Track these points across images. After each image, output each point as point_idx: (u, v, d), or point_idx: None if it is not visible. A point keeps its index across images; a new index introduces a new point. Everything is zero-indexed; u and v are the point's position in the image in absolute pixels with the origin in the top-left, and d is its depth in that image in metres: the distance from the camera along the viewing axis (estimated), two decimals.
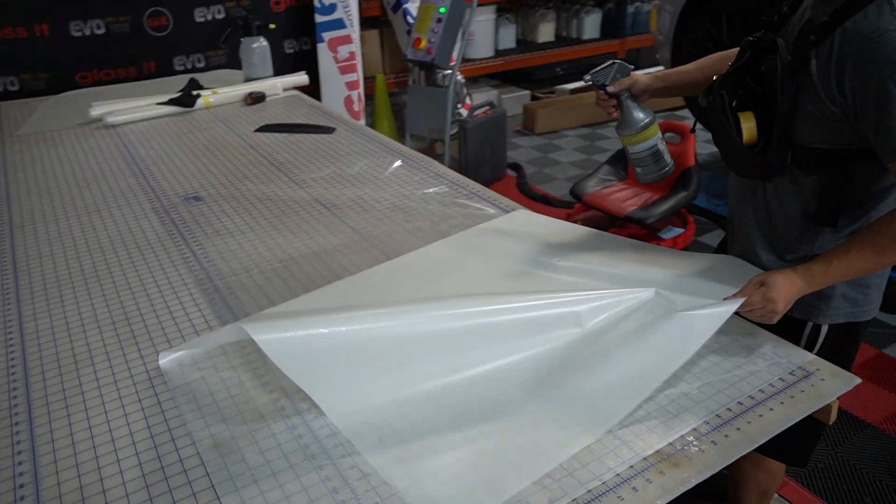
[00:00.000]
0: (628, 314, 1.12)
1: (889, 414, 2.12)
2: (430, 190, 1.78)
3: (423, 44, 3.60)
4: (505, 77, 5.56)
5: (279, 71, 2.94)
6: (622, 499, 0.84)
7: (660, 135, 1.33)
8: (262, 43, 2.81)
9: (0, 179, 1.99)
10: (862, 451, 2.00)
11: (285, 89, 2.79)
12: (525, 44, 5.48)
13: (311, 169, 1.97)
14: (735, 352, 1.10)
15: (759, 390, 1.02)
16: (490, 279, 1.31)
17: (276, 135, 2.28)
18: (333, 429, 0.97)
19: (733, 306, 1.06)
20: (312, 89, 3.71)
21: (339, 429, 0.96)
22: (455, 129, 3.80)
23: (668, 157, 1.35)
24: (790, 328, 1.19)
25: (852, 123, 1.04)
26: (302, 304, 1.25)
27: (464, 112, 3.91)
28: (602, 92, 1.33)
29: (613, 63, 1.34)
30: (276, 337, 0.99)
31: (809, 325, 1.23)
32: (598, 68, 1.34)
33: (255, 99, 2.64)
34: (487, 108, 3.80)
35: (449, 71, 3.69)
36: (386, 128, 4.39)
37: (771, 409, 0.98)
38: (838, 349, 1.24)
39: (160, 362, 1.12)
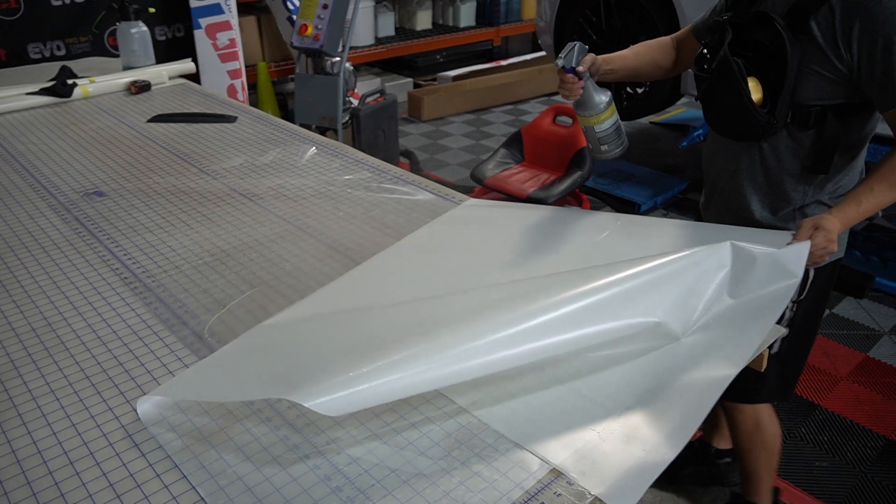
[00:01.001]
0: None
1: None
2: (352, 176, 1.76)
3: (310, 30, 3.51)
4: (385, 65, 5.54)
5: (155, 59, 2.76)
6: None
7: (616, 114, 1.38)
8: (141, 28, 2.62)
9: None
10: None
11: (171, 77, 2.63)
12: (404, 32, 5.49)
13: (221, 159, 1.88)
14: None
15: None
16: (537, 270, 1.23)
17: (173, 125, 2.15)
18: (313, 417, 0.94)
19: (805, 246, 1.15)
20: (192, 79, 3.51)
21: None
22: (346, 118, 3.75)
23: (623, 134, 1.40)
24: None
25: (854, 79, 1.20)
26: (303, 312, 1.13)
27: (353, 100, 3.86)
28: (569, 75, 1.32)
29: (574, 44, 1.34)
30: (329, 399, 0.83)
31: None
32: (564, 52, 1.33)
33: (140, 88, 2.47)
34: (378, 95, 3.78)
35: (338, 58, 3.63)
36: None
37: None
38: (824, 287, 1.43)
39: (139, 409, 0.95)
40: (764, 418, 1.58)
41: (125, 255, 1.38)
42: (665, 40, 1.53)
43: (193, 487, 0.84)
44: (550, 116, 3.07)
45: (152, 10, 2.68)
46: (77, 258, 1.37)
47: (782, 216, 1.37)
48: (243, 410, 0.96)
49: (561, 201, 2.99)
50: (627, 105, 3.45)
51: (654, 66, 1.52)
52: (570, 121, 3.00)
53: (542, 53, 5.39)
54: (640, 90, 3.38)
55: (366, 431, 0.92)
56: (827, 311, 2.64)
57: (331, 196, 1.64)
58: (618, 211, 3.46)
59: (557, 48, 3.70)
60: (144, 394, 0.99)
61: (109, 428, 0.93)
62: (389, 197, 1.63)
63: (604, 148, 1.40)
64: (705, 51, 1.32)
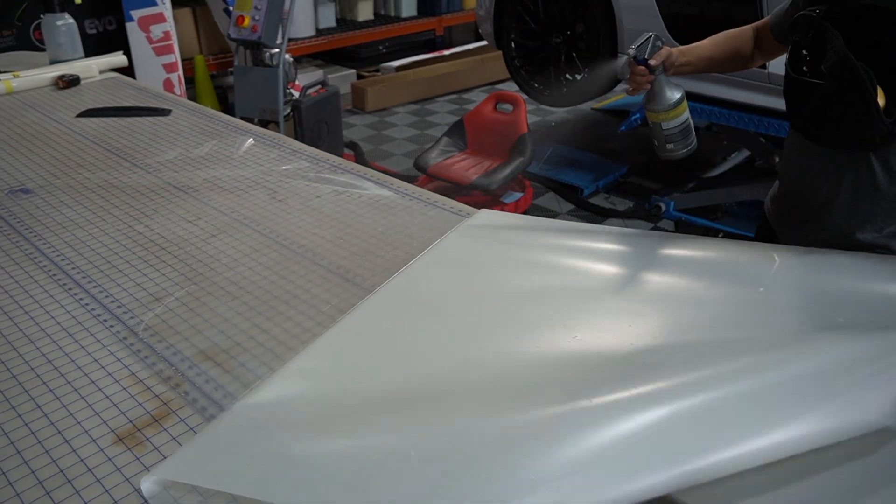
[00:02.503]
0: None
1: None
2: (290, 166, 1.75)
3: (247, 21, 3.45)
4: (327, 56, 5.49)
5: (84, 53, 2.67)
6: None
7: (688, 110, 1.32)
8: (67, 20, 2.54)
9: None
10: None
11: (101, 71, 2.55)
12: (345, 23, 5.45)
13: (155, 153, 1.84)
14: None
15: None
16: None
17: (104, 120, 2.09)
18: None
19: None
20: (126, 74, 3.41)
21: None
22: (288, 110, 3.71)
23: (693, 132, 1.33)
24: None
25: None
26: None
27: (294, 92, 3.82)
28: (640, 66, 1.27)
29: (650, 35, 1.28)
30: None
31: None
32: (638, 42, 1.27)
33: (69, 83, 2.39)
34: (320, 86, 3.75)
35: (277, 50, 3.58)
36: None
37: None
38: None
39: (143, 486, 0.80)
40: None
41: (54, 252, 1.34)
42: (746, 29, 1.42)
43: None
44: (492, 104, 3.10)
45: (78, 0, 2.58)
46: (1, 256, 1.33)
47: (887, 234, 1.24)
48: None
49: (504, 188, 3.03)
50: (567, 90, 3.51)
51: (736, 57, 1.42)
52: (511, 108, 3.04)
53: (485, 42, 5.42)
54: (578, 76, 3.44)
55: None
56: None
57: (268, 187, 1.63)
58: (560, 195, 3.52)
59: (497, 36, 3.73)
60: (146, 468, 0.85)
61: (38, 426, 0.91)
62: (328, 187, 1.63)
63: (669, 147, 1.33)
64: (804, 52, 1.18)
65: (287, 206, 1.53)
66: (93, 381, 0.99)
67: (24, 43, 3.61)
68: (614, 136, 4.22)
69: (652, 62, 1.28)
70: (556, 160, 3.87)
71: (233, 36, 3.51)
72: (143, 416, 0.93)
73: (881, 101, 1.10)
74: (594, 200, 3.50)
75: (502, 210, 2.94)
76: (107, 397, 0.96)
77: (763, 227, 1.49)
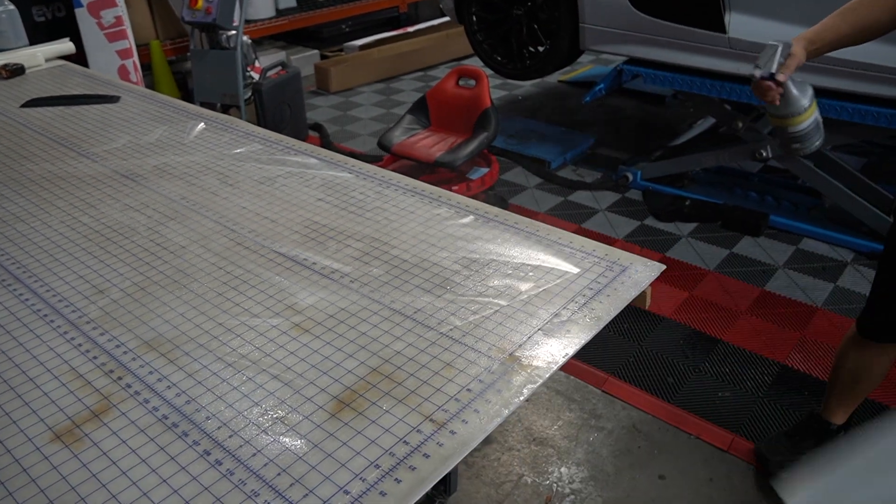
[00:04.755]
0: None
1: (677, 305, 2.46)
2: (243, 149, 1.71)
3: (201, 4, 3.36)
4: (289, 37, 5.38)
5: (31, 42, 2.58)
6: (489, 401, 0.90)
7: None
8: (8, 7, 2.46)
9: None
10: (660, 341, 2.30)
11: (48, 59, 2.47)
12: (306, 2, 5.33)
13: (102, 141, 1.78)
14: (553, 264, 1.21)
15: (589, 288, 1.13)
16: None
17: (50, 109, 2.02)
18: None
19: None
20: (77, 60, 3.31)
21: None
22: (249, 93, 3.63)
23: (821, 125, 1.27)
24: None
25: None
26: None
27: (255, 75, 3.74)
28: (766, 82, 1.22)
29: (777, 46, 1.21)
30: None
31: None
32: (763, 57, 1.20)
33: (13, 72, 2.31)
34: (280, 68, 3.67)
35: (233, 32, 3.50)
36: None
37: (600, 302, 1.10)
38: None
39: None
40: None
41: None
42: None
43: None
44: (454, 79, 3.06)
45: None
46: None
47: None
48: None
49: (470, 164, 3.00)
50: (530, 63, 3.47)
51: (876, 27, 1.30)
52: (473, 83, 3.00)
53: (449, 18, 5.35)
54: (541, 48, 3.40)
55: None
56: (727, 251, 2.77)
57: (219, 171, 1.59)
58: (528, 169, 3.50)
59: (459, 11, 3.67)
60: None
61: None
62: (281, 169, 1.59)
63: (795, 146, 1.28)
64: None
65: (238, 191, 1.50)
66: (30, 379, 0.96)
67: None
68: (581, 107, 4.20)
69: (780, 77, 1.21)
70: (523, 134, 3.84)
71: (187, 19, 3.42)
72: (82, 412, 0.90)
73: None
74: (562, 173, 3.49)
75: (468, 187, 2.91)
76: (45, 394, 0.94)
77: None
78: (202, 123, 1.87)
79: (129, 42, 3.62)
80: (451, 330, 1.04)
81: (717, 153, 3.07)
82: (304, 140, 3.91)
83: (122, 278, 1.19)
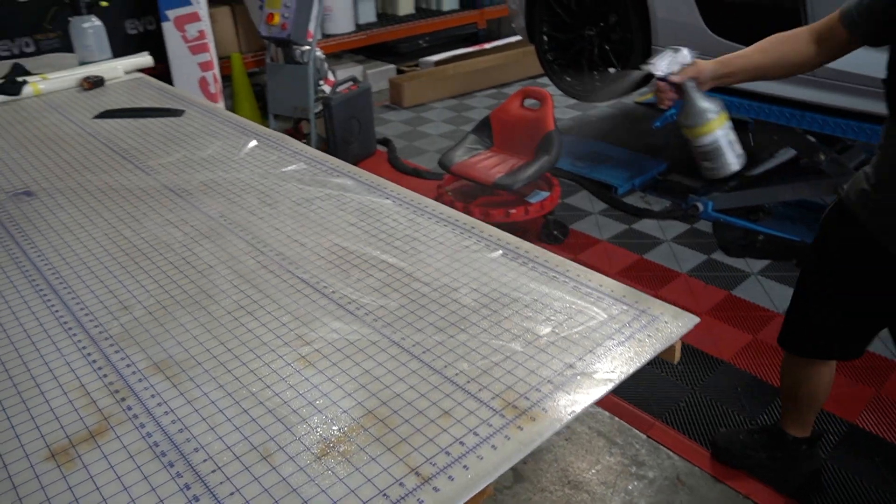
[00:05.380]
0: None
1: (739, 349, 2.31)
2: (287, 168, 1.72)
3: (277, 19, 3.46)
4: (368, 52, 5.48)
5: (123, 54, 2.73)
6: (482, 458, 0.85)
7: (729, 124, 1.24)
8: (94, 22, 2.59)
9: None
10: (716, 386, 2.17)
11: (127, 72, 2.60)
12: (386, 17, 5.42)
13: (159, 155, 1.85)
14: (581, 307, 1.15)
15: (611, 338, 1.07)
16: None
17: (120, 121, 2.12)
18: None
19: None
20: (162, 72, 3.48)
21: None
22: (319, 107, 3.71)
23: (738, 148, 1.25)
24: None
25: None
26: None
27: (327, 88, 3.82)
28: (661, 83, 1.22)
29: (668, 50, 1.22)
30: None
31: None
32: (656, 57, 1.22)
33: (93, 84, 2.44)
34: (351, 83, 3.74)
35: (307, 47, 3.58)
36: (248, 109, 4.22)
37: (620, 353, 1.03)
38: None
39: None
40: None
41: (38, 254, 1.36)
42: (800, 32, 1.33)
43: None
44: (519, 100, 3.01)
45: (104, 3, 2.63)
46: None
47: None
48: None
49: (530, 186, 2.94)
50: (599, 86, 3.38)
51: (785, 64, 1.33)
52: (538, 104, 2.94)
53: None
54: (612, 70, 3.31)
55: None
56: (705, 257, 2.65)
57: (261, 190, 1.61)
58: (593, 194, 3.41)
59: (530, 30, 3.63)
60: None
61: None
62: (320, 191, 1.59)
63: (705, 164, 1.25)
64: None
65: (275, 212, 1.51)
66: (42, 392, 0.99)
67: (68, 44, 3.73)
68: (656, 131, 4.05)
69: (675, 79, 1.20)
70: (592, 157, 3.75)
71: (263, 34, 3.53)
72: (80, 431, 0.92)
73: None
74: (629, 199, 3.37)
75: (526, 210, 2.85)
76: (51, 409, 0.96)
77: (838, 220, 1.47)
78: (254, 141, 1.91)
79: (211, 55, 3.77)
80: (456, 375, 0.99)
81: (797, 186, 2.89)
82: (372, 154, 3.97)
83: (148, 295, 1.22)
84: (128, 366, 1.04)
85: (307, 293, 1.21)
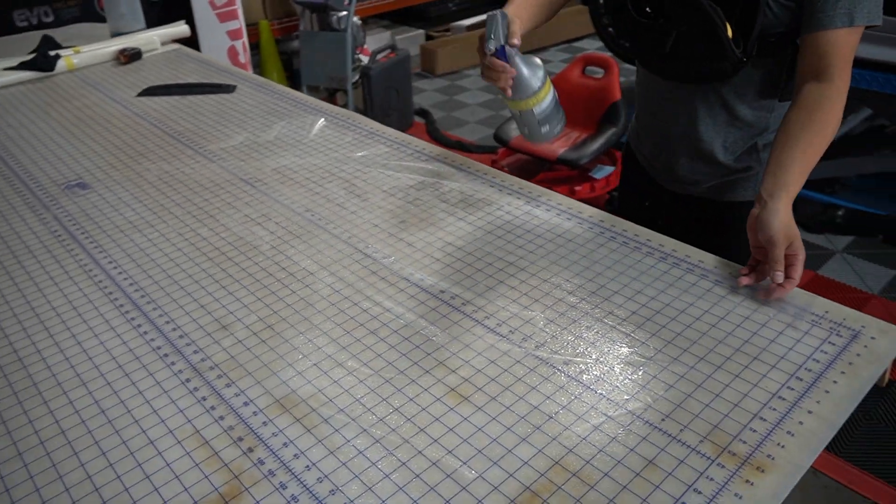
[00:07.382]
0: None
1: None
2: (367, 152, 1.54)
3: None
4: (395, 16, 5.23)
5: (148, 23, 2.52)
6: None
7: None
8: None
9: None
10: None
11: (164, 43, 2.40)
12: None
13: (219, 138, 1.66)
14: (762, 319, 0.98)
15: (814, 360, 0.90)
16: None
17: (166, 98, 1.93)
18: None
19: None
20: (189, 42, 3.26)
21: None
22: (357, 77, 3.50)
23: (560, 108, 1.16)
24: None
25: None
26: None
27: (363, 58, 3.60)
28: (499, 61, 1.05)
29: (495, 14, 1.05)
30: None
31: None
32: (490, 28, 1.04)
33: (130, 57, 2.24)
34: (389, 51, 3.52)
35: (345, 13, 3.36)
36: (276, 79, 4.00)
37: (835, 382, 0.86)
38: None
39: None
40: None
41: (110, 262, 1.18)
42: None
43: None
44: (580, 68, 2.80)
45: None
46: (55, 268, 1.17)
47: (740, 154, 1.29)
48: None
49: (594, 161, 2.75)
50: None
51: (554, 7, 1.28)
52: (601, 72, 2.73)
53: None
54: None
55: None
56: (894, 272, 2.41)
57: (344, 178, 1.43)
58: None
59: None
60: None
61: (79, 493, 0.75)
62: (412, 178, 1.41)
63: (544, 130, 1.15)
64: None
65: (366, 204, 1.33)
66: (151, 441, 0.82)
67: (90, 13, 3.51)
68: None
69: (514, 41, 1.06)
70: None
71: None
72: (209, 496, 0.75)
73: (729, 33, 1.09)
74: None
75: (592, 187, 2.67)
76: (167, 465, 0.79)
77: (631, 164, 1.51)
78: (322, 120, 1.72)
79: (240, 22, 3.55)
80: (643, 410, 0.83)
81: (881, 157, 2.69)
82: (410, 126, 3.76)
83: (247, 311, 1.05)
84: (245, 404, 0.87)
85: (433, 305, 1.03)
